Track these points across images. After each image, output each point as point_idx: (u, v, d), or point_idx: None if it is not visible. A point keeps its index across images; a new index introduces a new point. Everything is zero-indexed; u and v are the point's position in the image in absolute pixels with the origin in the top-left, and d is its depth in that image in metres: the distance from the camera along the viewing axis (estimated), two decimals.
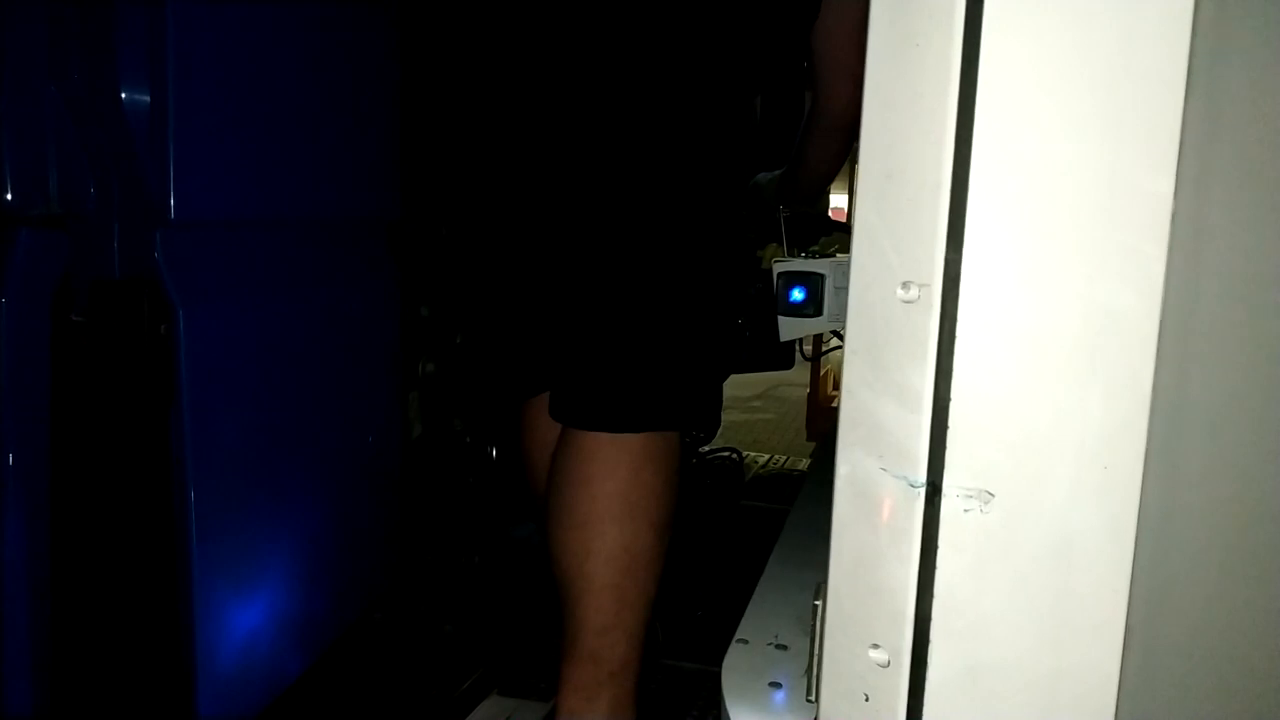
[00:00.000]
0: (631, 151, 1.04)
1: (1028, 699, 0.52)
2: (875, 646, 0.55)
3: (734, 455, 2.40)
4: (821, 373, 4.24)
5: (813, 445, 3.84)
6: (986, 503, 0.51)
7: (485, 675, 1.33)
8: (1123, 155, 0.48)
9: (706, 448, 2.28)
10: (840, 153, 1.35)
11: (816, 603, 0.62)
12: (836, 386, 4.42)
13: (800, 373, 3.88)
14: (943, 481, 0.52)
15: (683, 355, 1.12)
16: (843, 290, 1.38)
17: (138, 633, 0.83)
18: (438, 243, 1.29)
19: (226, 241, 0.86)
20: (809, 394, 4.23)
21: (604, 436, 1.05)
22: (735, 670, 0.84)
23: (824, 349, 3.84)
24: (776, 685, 0.81)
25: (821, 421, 3.99)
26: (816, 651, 0.61)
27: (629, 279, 1.07)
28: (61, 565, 0.81)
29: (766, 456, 2.93)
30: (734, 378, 2.35)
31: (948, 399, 0.51)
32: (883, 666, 0.55)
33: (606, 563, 1.05)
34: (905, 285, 0.53)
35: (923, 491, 0.52)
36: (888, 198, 0.54)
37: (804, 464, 3.23)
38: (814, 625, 0.62)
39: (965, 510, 0.52)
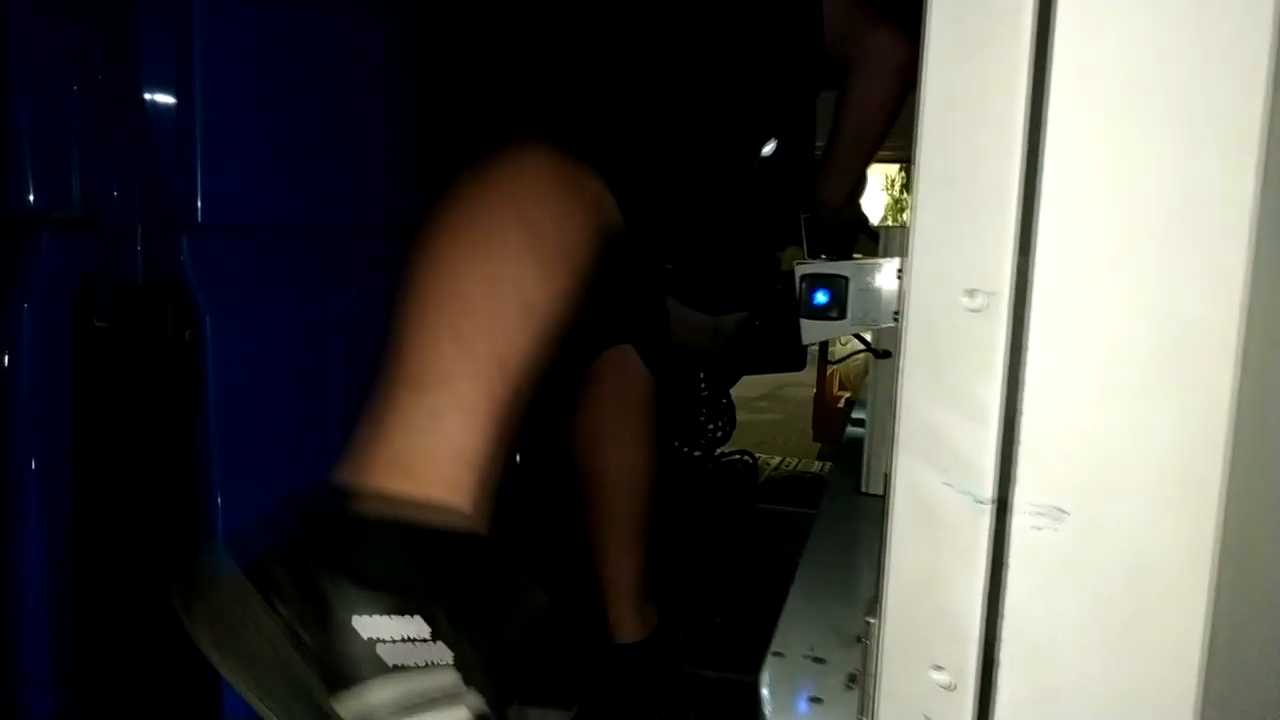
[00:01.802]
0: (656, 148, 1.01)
1: None
2: (938, 668, 0.53)
3: (748, 458, 2.38)
4: (828, 373, 4.23)
5: (818, 446, 3.83)
6: (1058, 520, 0.49)
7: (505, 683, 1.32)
8: (1202, 157, 0.46)
9: (720, 450, 2.26)
10: (876, 131, 1.33)
11: (870, 620, 0.60)
12: (843, 387, 4.40)
13: (806, 373, 3.87)
14: (1012, 498, 0.50)
15: None
16: (866, 292, 1.37)
17: (160, 640, 0.81)
18: None
19: (251, 245, 0.84)
20: (815, 394, 4.22)
21: None
22: (774, 684, 0.82)
23: (837, 353, 3.84)
24: (817, 700, 0.79)
25: (827, 422, 3.97)
26: (873, 670, 0.59)
27: None
28: (82, 571, 0.79)
29: (779, 459, 2.91)
30: (742, 379, 2.34)
31: (1017, 411, 0.49)
32: (946, 689, 0.53)
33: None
34: (970, 293, 0.51)
35: (990, 508, 0.50)
36: (949, 202, 0.52)
37: (815, 466, 3.21)
38: (868, 643, 0.60)
39: (1036, 528, 0.50)
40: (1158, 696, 0.49)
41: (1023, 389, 0.49)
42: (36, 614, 0.77)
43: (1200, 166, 0.47)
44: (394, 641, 0.56)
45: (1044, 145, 0.48)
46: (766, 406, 5.07)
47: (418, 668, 0.57)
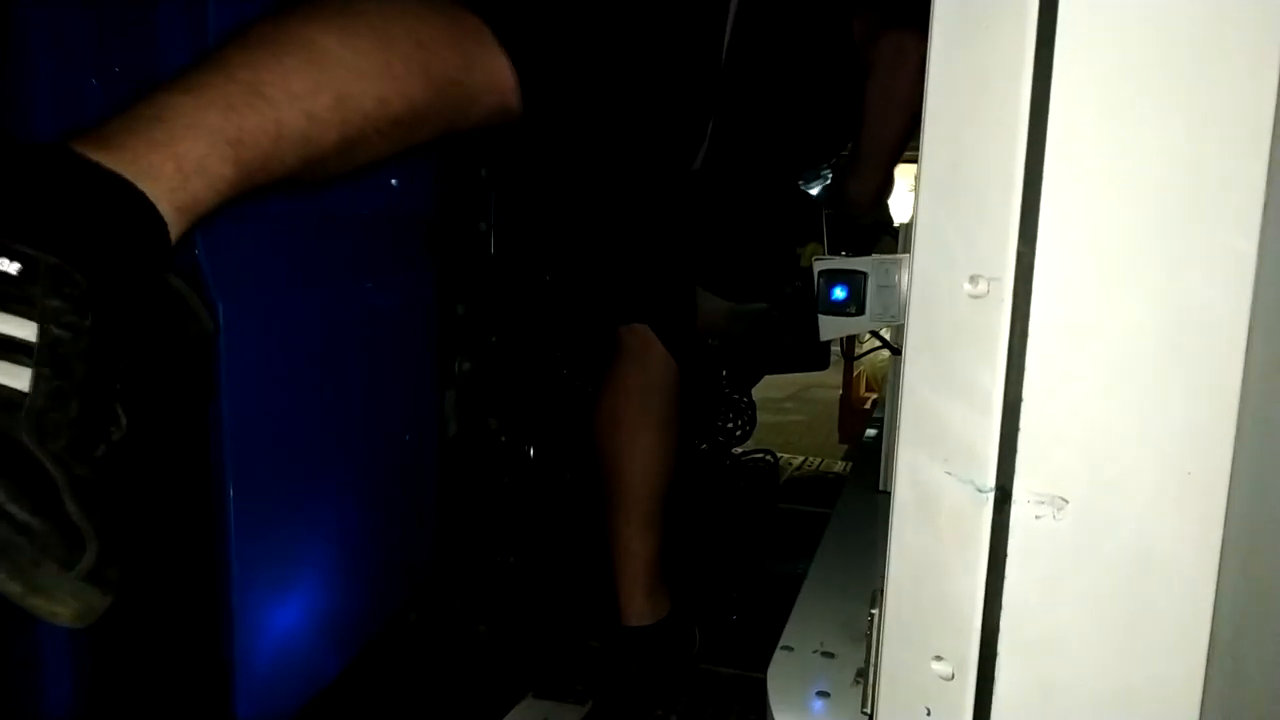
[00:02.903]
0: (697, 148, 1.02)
1: (1103, 716, 0.49)
2: (938, 659, 0.53)
3: (769, 457, 2.37)
4: (855, 374, 4.20)
5: (845, 448, 3.80)
6: (1060, 509, 0.49)
7: (520, 677, 1.32)
8: (1210, 142, 0.45)
9: (740, 449, 2.26)
10: (900, 129, 1.33)
11: (873, 611, 0.59)
12: (869, 388, 4.37)
13: (832, 374, 3.84)
14: (1013, 487, 0.49)
15: None
16: (885, 289, 1.35)
17: (176, 631, 0.82)
18: (476, 238, 1.28)
19: (265, 236, 0.85)
20: (841, 396, 4.19)
21: None
22: (781, 678, 0.82)
23: (858, 349, 3.80)
24: (824, 694, 0.79)
25: (854, 423, 3.94)
26: (874, 661, 0.58)
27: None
28: None
29: (801, 459, 2.90)
30: (765, 379, 2.33)
31: (1019, 399, 0.49)
32: (946, 679, 0.52)
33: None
34: (973, 280, 0.50)
35: (991, 497, 0.50)
36: (953, 188, 0.52)
37: (838, 466, 3.19)
38: (870, 635, 0.60)
39: (1037, 517, 0.49)
40: (1159, 690, 0.48)
41: (1025, 377, 0.49)
42: None
43: (1208, 152, 0.46)
44: None
45: (1048, 131, 0.47)
46: (792, 408, 5.04)
47: None
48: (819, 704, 0.78)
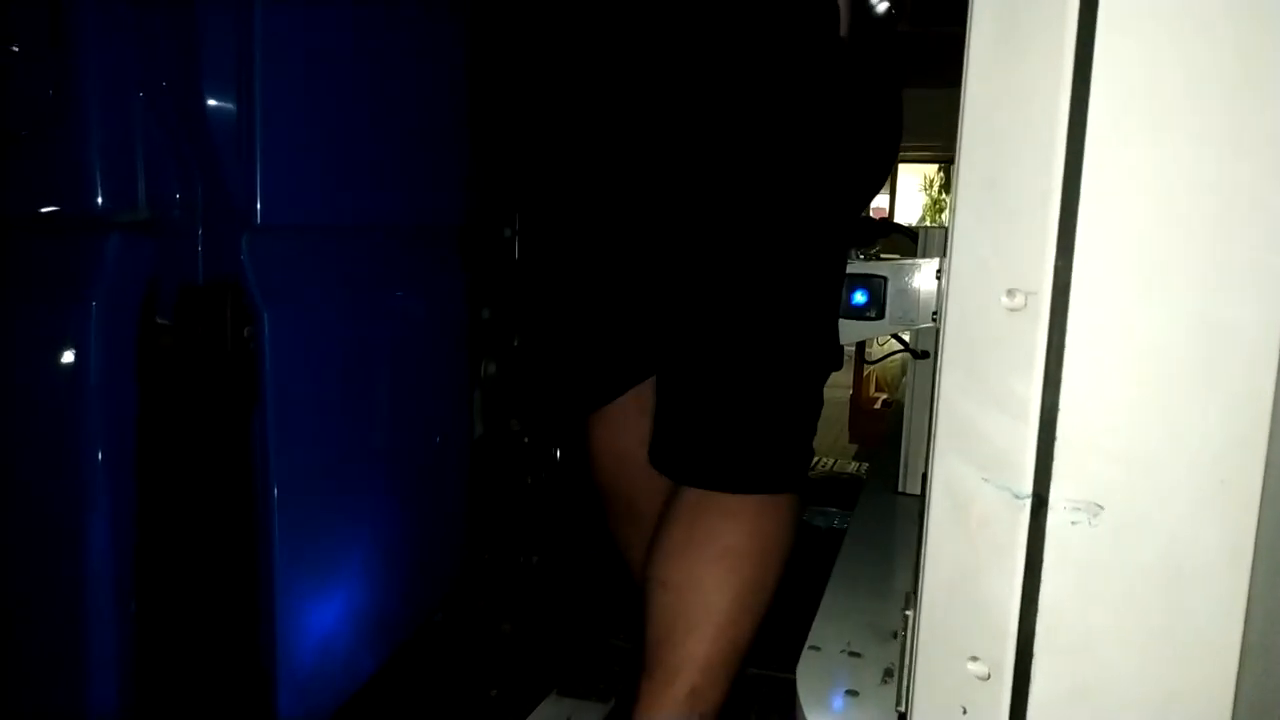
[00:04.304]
0: (729, 149, 0.95)
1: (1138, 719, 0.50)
2: (974, 659, 0.54)
3: None
4: (865, 374, 4.21)
5: (855, 447, 3.81)
6: (1096, 516, 0.50)
7: (544, 675, 1.34)
8: (1242, 162, 0.47)
9: None
10: None
11: (907, 612, 0.61)
12: (879, 388, 4.38)
13: (843, 374, 3.85)
14: (1049, 493, 0.51)
15: (806, 401, 1.03)
16: (904, 293, 1.37)
17: (220, 631, 0.84)
18: (500, 246, 1.30)
19: (308, 246, 0.87)
20: (851, 396, 4.20)
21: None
22: (809, 676, 0.84)
23: (873, 352, 3.82)
24: (853, 693, 0.80)
25: (863, 423, 3.95)
26: (909, 662, 0.60)
27: (746, 300, 0.97)
28: (146, 564, 0.82)
29: (816, 460, 2.91)
30: None
31: (1056, 409, 0.50)
32: (982, 679, 0.54)
33: (735, 600, 0.95)
34: (1010, 293, 0.52)
35: (1028, 503, 0.51)
36: (990, 204, 0.53)
37: (851, 466, 3.20)
38: (905, 635, 0.61)
39: (1073, 523, 0.50)
40: (1192, 694, 0.49)
41: (1061, 387, 0.50)
42: (102, 605, 0.80)
43: (1242, 171, 0.47)
44: None
45: (1085, 148, 0.49)
46: None
47: None
48: (848, 702, 0.79)
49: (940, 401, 0.57)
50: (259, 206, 0.78)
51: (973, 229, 0.55)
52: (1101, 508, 0.50)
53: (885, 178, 1.21)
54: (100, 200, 0.77)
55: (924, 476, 0.60)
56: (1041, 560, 0.51)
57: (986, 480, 0.53)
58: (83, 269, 0.78)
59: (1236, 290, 0.47)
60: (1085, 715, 0.51)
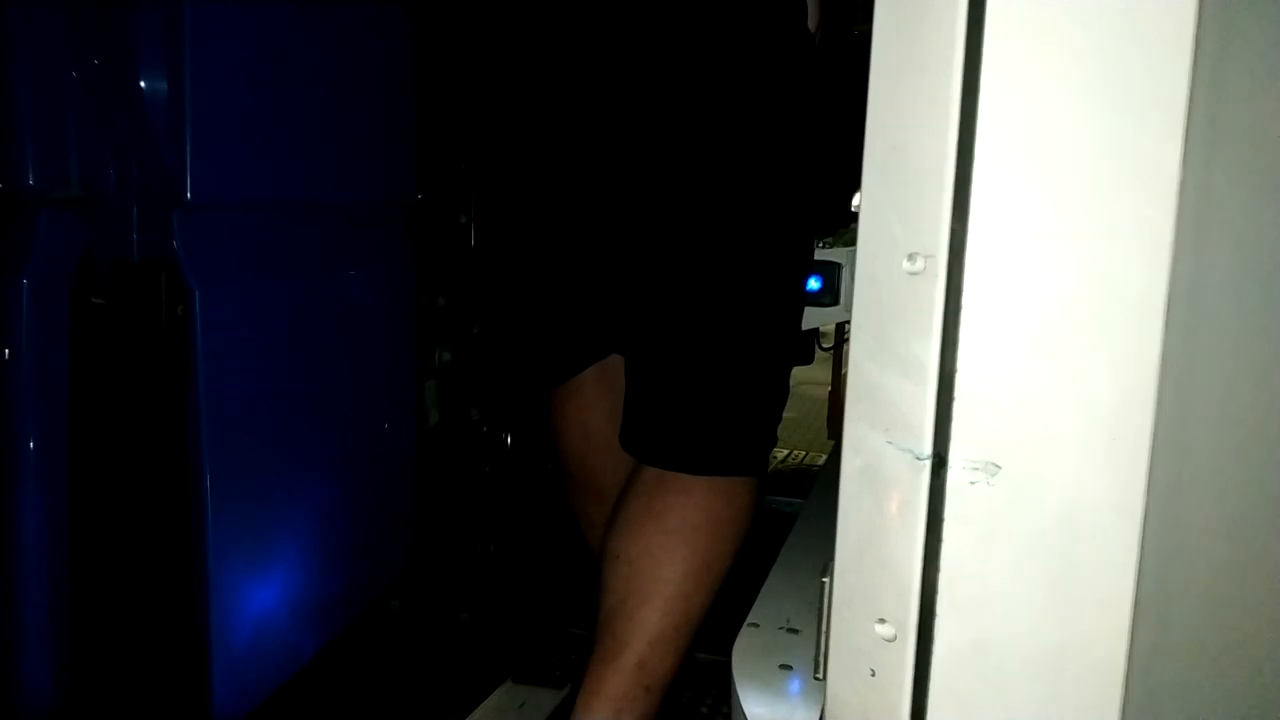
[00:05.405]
0: (687, 132, 0.96)
1: (1035, 672, 0.51)
2: (881, 621, 0.55)
3: None
4: (843, 371, 4.22)
5: (833, 443, 3.83)
6: (993, 475, 0.51)
7: (499, 662, 1.34)
8: (1129, 122, 0.48)
9: None
10: None
11: (824, 580, 0.62)
12: None
13: (823, 370, 3.87)
14: (948, 454, 0.51)
15: (769, 388, 1.06)
16: None
17: (154, 611, 0.84)
18: (456, 231, 1.30)
19: (243, 223, 0.87)
20: (830, 392, 4.21)
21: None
22: (745, 653, 0.84)
23: (844, 340, 3.83)
24: (787, 667, 0.81)
25: (842, 419, 3.96)
26: (824, 629, 0.60)
27: (710, 289, 1.00)
28: (79, 544, 0.82)
29: (785, 451, 2.92)
30: None
31: (953, 370, 0.51)
32: (889, 641, 0.54)
33: (688, 573, 0.97)
34: (911, 257, 0.53)
35: (928, 464, 0.52)
36: (893, 170, 0.54)
37: (823, 459, 3.21)
38: (821, 602, 0.62)
39: (971, 482, 0.51)
40: (1088, 645, 0.50)
41: (959, 348, 0.51)
42: (34, 585, 0.80)
43: (1128, 131, 0.48)
44: None
45: (978, 116, 0.50)
46: None
47: None
48: (780, 676, 0.80)
49: (851, 368, 0.57)
50: (189, 183, 0.78)
51: (878, 196, 0.55)
52: (999, 467, 0.51)
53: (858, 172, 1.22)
54: (30, 178, 0.77)
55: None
56: (942, 520, 0.52)
57: (890, 443, 0.54)
58: (14, 247, 0.78)
59: (1124, 248, 0.48)
60: (985, 670, 0.52)
